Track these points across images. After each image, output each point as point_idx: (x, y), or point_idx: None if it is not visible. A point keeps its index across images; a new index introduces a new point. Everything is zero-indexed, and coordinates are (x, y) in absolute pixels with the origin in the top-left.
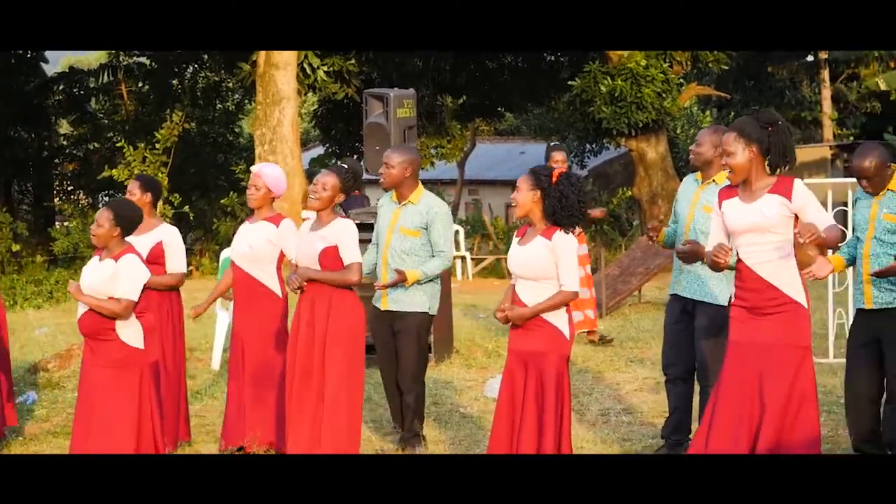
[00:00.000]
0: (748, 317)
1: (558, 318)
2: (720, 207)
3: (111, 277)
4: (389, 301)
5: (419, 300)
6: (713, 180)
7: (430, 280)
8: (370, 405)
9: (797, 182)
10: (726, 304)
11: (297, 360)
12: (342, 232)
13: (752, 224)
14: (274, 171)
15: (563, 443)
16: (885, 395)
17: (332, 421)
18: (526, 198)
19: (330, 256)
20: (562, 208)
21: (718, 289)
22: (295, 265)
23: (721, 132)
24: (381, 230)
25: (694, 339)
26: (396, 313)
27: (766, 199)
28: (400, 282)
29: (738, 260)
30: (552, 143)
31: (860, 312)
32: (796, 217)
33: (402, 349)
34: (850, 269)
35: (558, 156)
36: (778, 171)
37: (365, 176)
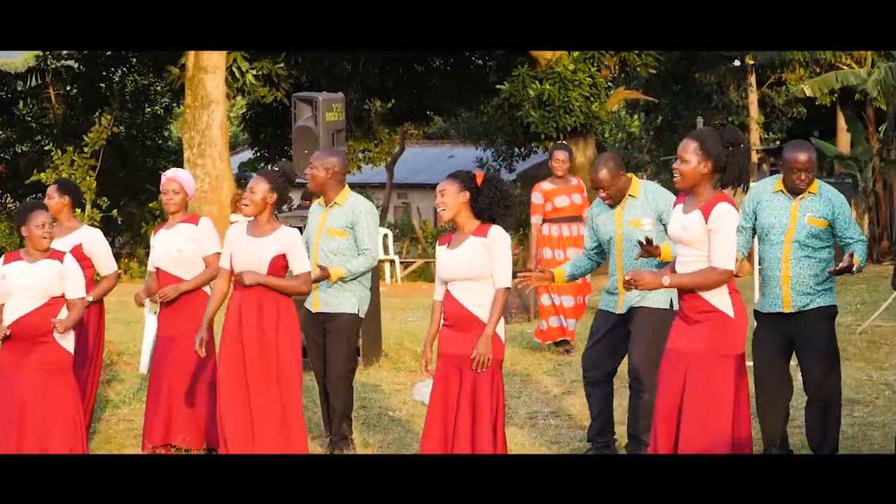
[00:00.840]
0: (682, 324)
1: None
2: (673, 210)
3: (56, 277)
4: (320, 303)
5: (349, 302)
6: (809, 192)
7: (356, 278)
8: None
9: (720, 206)
10: (667, 306)
11: (249, 365)
12: (292, 241)
13: (679, 237)
14: (186, 174)
15: (499, 445)
16: (805, 399)
17: (294, 424)
18: (455, 200)
19: (278, 264)
20: (498, 202)
21: (661, 293)
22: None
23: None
24: (310, 234)
25: (622, 344)
26: (327, 315)
27: (694, 214)
28: (323, 278)
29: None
30: (558, 143)
31: (772, 316)
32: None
33: (331, 351)
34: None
35: (560, 155)
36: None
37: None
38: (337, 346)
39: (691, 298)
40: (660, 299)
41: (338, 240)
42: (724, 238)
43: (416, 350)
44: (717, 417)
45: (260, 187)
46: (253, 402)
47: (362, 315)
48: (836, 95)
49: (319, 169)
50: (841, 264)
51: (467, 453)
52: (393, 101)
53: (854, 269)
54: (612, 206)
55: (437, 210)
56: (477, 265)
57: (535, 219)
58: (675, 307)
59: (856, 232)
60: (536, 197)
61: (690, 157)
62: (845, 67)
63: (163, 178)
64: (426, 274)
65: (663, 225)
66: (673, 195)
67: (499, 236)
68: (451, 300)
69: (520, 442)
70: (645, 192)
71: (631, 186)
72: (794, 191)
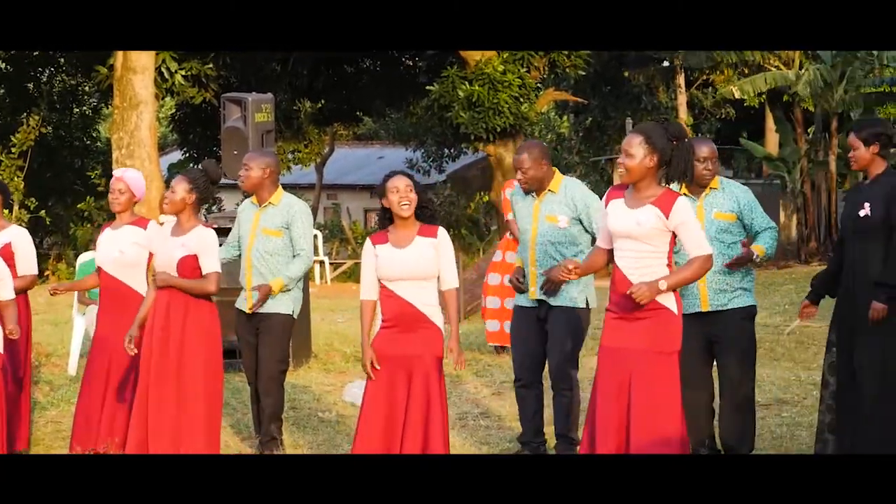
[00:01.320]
0: (620, 322)
1: (439, 319)
2: (606, 206)
3: None
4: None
5: (283, 302)
6: (711, 188)
7: (295, 282)
8: (228, 410)
9: (680, 200)
10: (584, 306)
11: (152, 364)
12: (203, 240)
13: (627, 230)
14: (135, 174)
15: (445, 443)
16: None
17: (191, 426)
18: (416, 199)
19: (189, 265)
20: (433, 212)
21: (576, 292)
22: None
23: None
24: (242, 234)
25: (546, 344)
26: (260, 315)
27: (646, 209)
28: (266, 296)
29: (614, 263)
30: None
31: (693, 316)
32: (674, 234)
33: (264, 351)
34: None
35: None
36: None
37: (223, 180)
38: (270, 347)
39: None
40: (576, 298)
41: (273, 240)
42: (694, 227)
43: (345, 351)
44: (668, 416)
45: (180, 187)
46: (150, 403)
47: (295, 315)
48: (764, 97)
49: (255, 169)
50: (737, 256)
51: (419, 453)
52: (322, 101)
53: (756, 258)
54: (526, 193)
55: (402, 203)
56: (427, 265)
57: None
58: (592, 305)
59: (764, 221)
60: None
61: (636, 151)
62: (773, 69)
63: (112, 177)
64: (356, 275)
65: (580, 223)
66: (595, 195)
67: (447, 237)
68: (398, 300)
69: (450, 443)
70: (565, 189)
71: (552, 181)
72: (699, 184)
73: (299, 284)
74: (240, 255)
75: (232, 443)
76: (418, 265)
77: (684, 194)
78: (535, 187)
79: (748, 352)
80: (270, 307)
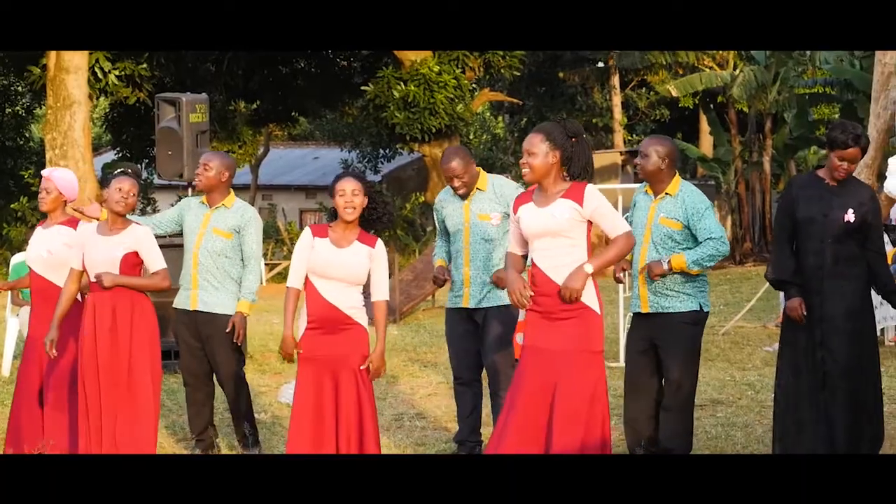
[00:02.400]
0: (543, 322)
1: (364, 320)
2: (516, 213)
3: None
4: (199, 303)
5: (230, 303)
6: (666, 193)
7: (236, 275)
8: (163, 411)
9: (589, 188)
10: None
11: (101, 366)
12: (143, 239)
13: (544, 228)
14: (65, 174)
15: (377, 443)
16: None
17: (142, 425)
18: (362, 203)
19: (131, 262)
20: (388, 215)
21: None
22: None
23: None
24: (188, 232)
25: (482, 344)
26: (206, 315)
27: (558, 203)
28: (244, 326)
29: (533, 264)
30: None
31: (637, 317)
32: (589, 223)
33: (218, 354)
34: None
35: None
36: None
37: (158, 181)
38: (224, 348)
39: (558, 294)
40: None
41: (223, 240)
42: (608, 210)
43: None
44: (593, 416)
45: (132, 187)
46: (104, 404)
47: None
48: (698, 98)
49: (214, 170)
50: (647, 264)
51: (357, 452)
52: (257, 102)
53: (667, 268)
54: (463, 197)
55: (347, 208)
56: (358, 271)
57: None
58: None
59: (706, 231)
60: None
61: (538, 150)
62: (707, 69)
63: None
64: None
65: (508, 217)
66: (517, 187)
67: (384, 250)
68: (322, 301)
69: (385, 444)
70: (493, 186)
71: (479, 179)
72: (652, 181)
73: (237, 283)
74: (158, 232)
75: (167, 444)
76: (350, 269)
77: (646, 192)
78: (470, 190)
79: (690, 355)
80: (213, 308)
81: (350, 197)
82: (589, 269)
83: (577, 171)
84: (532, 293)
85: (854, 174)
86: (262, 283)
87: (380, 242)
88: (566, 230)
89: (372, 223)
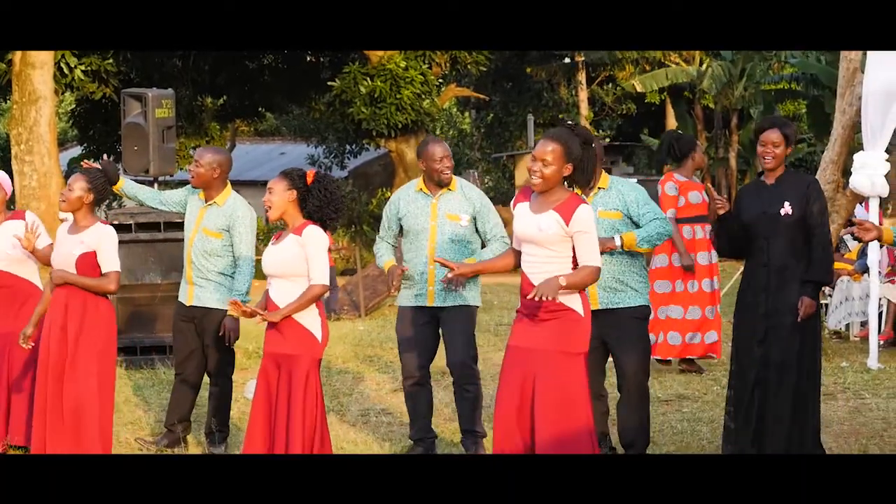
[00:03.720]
0: (527, 322)
1: (310, 320)
2: (515, 209)
3: None
4: (195, 298)
5: (223, 297)
6: (599, 188)
7: (227, 271)
8: (129, 406)
9: (582, 208)
10: (478, 304)
11: (50, 363)
12: (101, 239)
13: (530, 236)
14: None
15: (317, 443)
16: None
17: (86, 424)
18: (282, 199)
19: (87, 262)
20: (328, 205)
21: (470, 291)
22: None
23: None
24: (186, 226)
25: (436, 340)
26: (200, 309)
27: (548, 214)
28: (238, 329)
29: (520, 266)
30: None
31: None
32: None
33: (210, 348)
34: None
35: None
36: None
37: (123, 176)
38: (216, 344)
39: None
40: (475, 297)
41: (213, 241)
42: (592, 238)
43: (247, 347)
44: (573, 417)
45: (77, 185)
46: (48, 401)
47: None
48: (665, 93)
49: (204, 166)
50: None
51: (283, 453)
52: (224, 97)
53: (618, 244)
54: (441, 185)
55: (266, 209)
56: (292, 263)
57: (671, 212)
58: (477, 303)
59: (652, 213)
60: (670, 188)
61: (555, 161)
62: (674, 65)
63: None
64: (258, 272)
65: (475, 222)
66: (483, 193)
67: (313, 234)
68: (268, 298)
69: (352, 439)
70: (461, 187)
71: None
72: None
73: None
74: (161, 207)
75: (132, 440)
76: (280, 263)
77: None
78: (449, 180)
79: (643, 349)
80: (207, 302)
81: (268, 196)
82: (563, 281)
83: (584, 179)
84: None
85: (819, 170)
86: None
87: (309, 228)
88: (550, 243)
89: (315, 216)
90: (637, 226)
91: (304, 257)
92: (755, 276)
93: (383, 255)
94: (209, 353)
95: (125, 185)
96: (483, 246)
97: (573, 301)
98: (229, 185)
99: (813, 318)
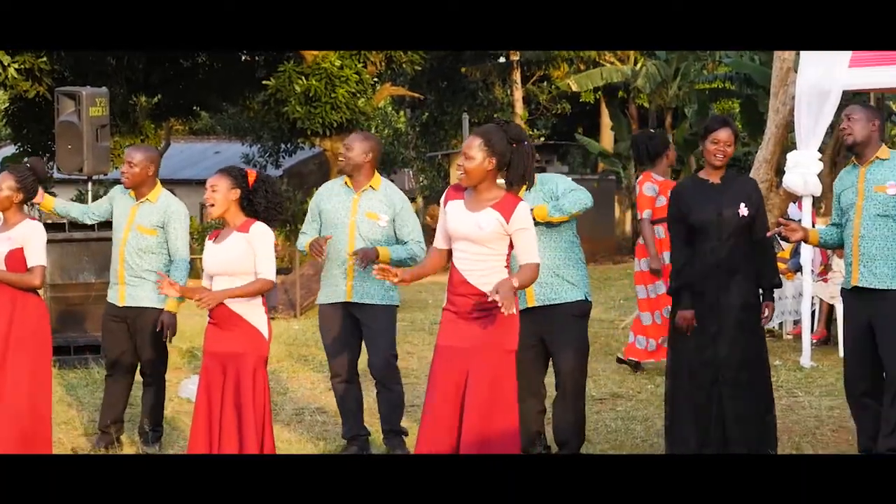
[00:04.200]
0: (457, 321)
1: (257, 318)
2: (445, 206)
3: None
4: (127, 297)
5: (156, 295)
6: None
7: (158, 269)
8: (62, 406)
9: (522, 206)
10: (396, 303)
11: None
12: (28, 234)
13: (467, 234)
14: None
15: (266, 443)
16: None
17: (19, 423)
18: (226, 197)
19: (15, 259)
20: (274, 206)
21: (389, 290)
22: None
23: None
24: (116, 227)
25: (366, 338)
26: (134, 310)
27: (486, 212)
28: (174, 324)
29: (452, 263)
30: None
31: (522, 311)
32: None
33: (143, 347)
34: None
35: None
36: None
37: (58, 174)
38: (151, 343)
39: (475, 296)
40: (393, 297)
41: (147, 238)
42: (532, 235)
43: (181, 347)
44: (504, 414)
45: (6, 184)
46: None
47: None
48: (599, 93)
49: (138, 166)
50: None
51: (235, 453)
52: (158, 96)
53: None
54: (353, 190)
55: (207, 205)
56: (239, 261)
57: (647, 213)
58: (397, 303)
59: (572, 192)
60: (649, 188)
61: (475, 154)
62: (608, 64)
63: None
64: (193, 270)
65: (393, 223)
66: (405, 197)
67: (261, 231)
68: None
69: (286, 438)
70: (384, 187)
71: (373, 178)
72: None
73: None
74: (91, 221)
75: (65, 440)
76: (228, 261)
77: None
78: (358, 177)
79: (581, 347)
80: (141, 301)
81: (210, 194)
82: (516, 283)
83: (515, 178)
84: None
85: (753, 169)
86: None
87: (257, 225)
88: (488, 241)
89: (252, 214)
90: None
91: (252, 255)
92: (708, 277)
93: (303, 241)
94: (143, 352)
95: (56, 205)
96: None
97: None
98: (159, 182)
99: (758, 317)
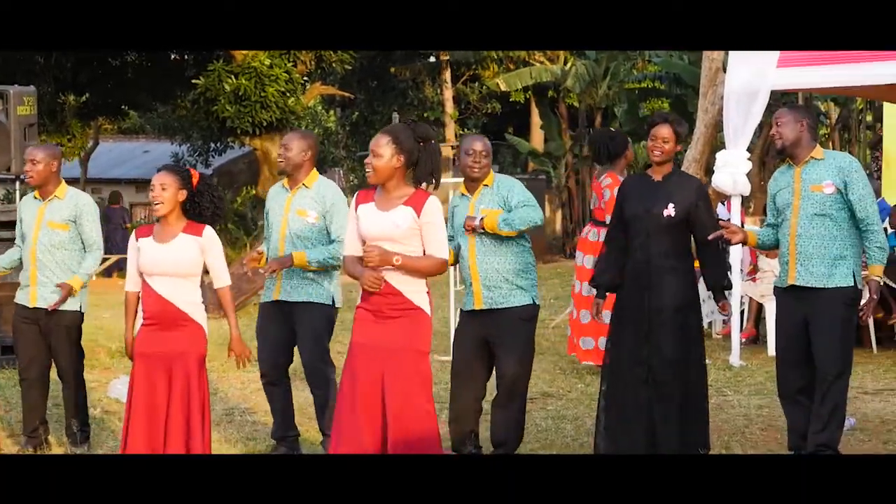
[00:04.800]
0: (372, 319)
1: (201, 317)
2: (356, 211)
3: None
4: (39, 300)
5: (71, 299)
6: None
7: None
8: None
9: (432, 199)
10: (330, 303)
11: None
12: None
13: (383, 233)
14: None
15: (206, 442)
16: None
17: None
18: (174, 197)
19: None
20: (219, 208)
21: (325, 288)
22: None
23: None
24: (26, 230)
25: (297, 338)
26: (46, 313)
27: (399, 210)
28: (67, 296)
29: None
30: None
31: (469, 314)
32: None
33: (61, 350)
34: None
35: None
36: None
37: None
38: (69, 345)
39: (392, 295)
40: (326, 295)
41: (60, 233)
42: (441, 230)
43: (110, 347)
44: (423, 414)
45: None
46: None
47: (85, 310)
48: (529, 92)
49: (41, 164)
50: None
51: (182, 453)
52: (87, 95)
53: (478, 224)
54: (288, 189)
55: (154, 203)
56: (188, 263)
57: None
58: (338, 304)
59: (522, 202)
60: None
61: (383, 152)
62: (538, 64)
63: None
64: (121, 270)
65: (324, 220)
66: (339, 195)
67: (214, 236)
68: (157, 297)
69: (216, 439)
70: (318, 184)
71: (308, 176)
72: (469, 177)
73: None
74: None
75: None
76: (177, 262)
77: (462, 194)
78: (296, 175)
79: (526, 351)
80: (60, 304)
81: (158, 192)
82: (398, 260)
83: (423, 176)
84: (382, 276)
85: (682, 168)
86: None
87: (208, 230)
88: (405, 239)
89: (195, 216)
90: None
91: (202, 258)
92: (638, 274)
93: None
94: (58, 353)
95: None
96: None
97: (421, 300)
98: (63, 180)
99: (695, 316)
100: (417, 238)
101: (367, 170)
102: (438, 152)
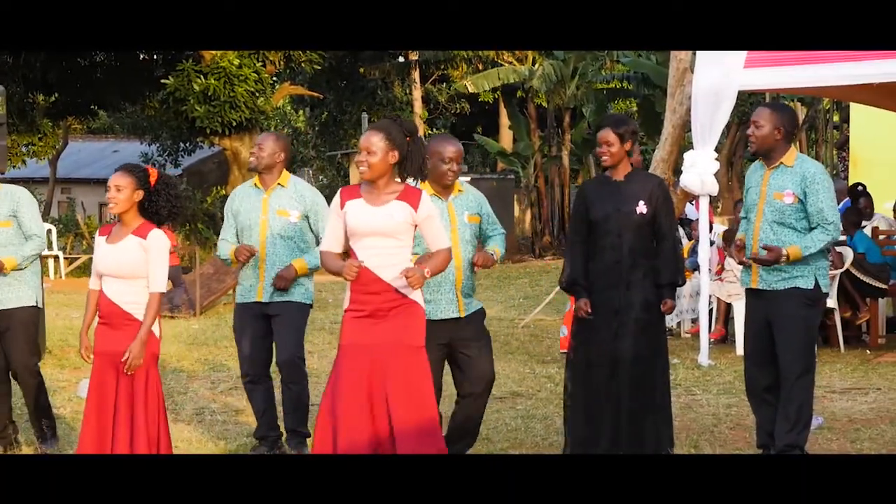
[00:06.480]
0: (365, 319)
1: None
2: (342, 207)
3: None
4: None
5: (26, 294)
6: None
7: (30, 266)
8: None
9: (425, 195)
10: (309, 302)
11: None
12: None
13: (377, 228)
14: None
15: (162, 443)
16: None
17: None
18: (131, 198)
19: None
20: (175, 207)
21: (304, 288)
22: None
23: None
24: None
25: (276, 338)
26: (2, 312)
27: (394, 204)
28: None
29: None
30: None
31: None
32: (415, 227)
33: (15, 347)
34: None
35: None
36: (412, 181)
37: None
38: (23, 342)
39: (385, 292)
40: (307, 295)
41: (3, 231)
42: (437, 223)
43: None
44: (427, 409)
45: None
46: None
47: (41, 305)
48: (498, 92)
49: None
50: (481, 254)
51: (127, 453)
52: (56, 94)
53: (495, 256)
54: (262, 190)
55: (109, 204)
56: (133, 264)
57: None
58: (309, 302)
59: (497, 226)
60: None
61: (377, 148)
62: (507, 64)
63: None
64: (91, 269)
65: (307, 220)
66: (318, 192)
67: (159, 239)
68: (105, 299)
69: (186, 438)
70: (293, 184)
71: (282, 176)
72: (441, 183)
73: (38, 274)
74: None
75: None
76: (120, 263)
77: (433, 195)
78: (267, 176)
79: (490, 350)
80: (14, 302)
81: (114, 193)
82: (428, 273)
83: (413, 171)
84: (360, 262)
85: (651, 168)
86: (61, 276)
87: (154, 232)
88: (399, 232)
89: (152, 215)
90: (483, 234)
91: (146, 261)
92: (608, 273)
93: (222, 251)
94: (13, 353)
95: None
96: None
97: (416, 294)
98: None
99: (659, 314)
100: (409, 233)
101: (361, 168)
102: (425, 147)
